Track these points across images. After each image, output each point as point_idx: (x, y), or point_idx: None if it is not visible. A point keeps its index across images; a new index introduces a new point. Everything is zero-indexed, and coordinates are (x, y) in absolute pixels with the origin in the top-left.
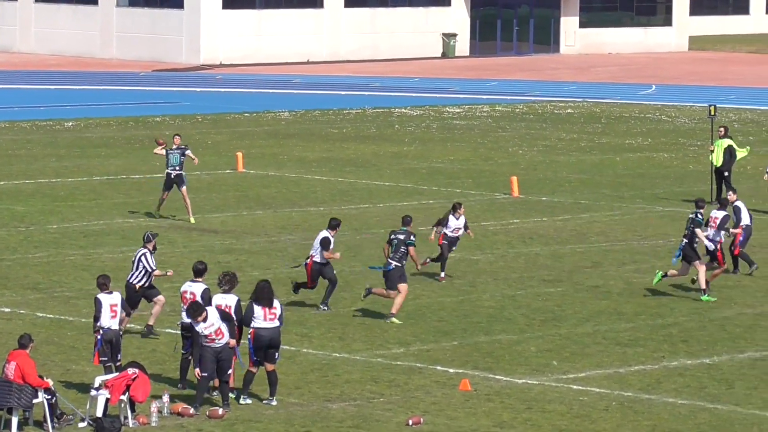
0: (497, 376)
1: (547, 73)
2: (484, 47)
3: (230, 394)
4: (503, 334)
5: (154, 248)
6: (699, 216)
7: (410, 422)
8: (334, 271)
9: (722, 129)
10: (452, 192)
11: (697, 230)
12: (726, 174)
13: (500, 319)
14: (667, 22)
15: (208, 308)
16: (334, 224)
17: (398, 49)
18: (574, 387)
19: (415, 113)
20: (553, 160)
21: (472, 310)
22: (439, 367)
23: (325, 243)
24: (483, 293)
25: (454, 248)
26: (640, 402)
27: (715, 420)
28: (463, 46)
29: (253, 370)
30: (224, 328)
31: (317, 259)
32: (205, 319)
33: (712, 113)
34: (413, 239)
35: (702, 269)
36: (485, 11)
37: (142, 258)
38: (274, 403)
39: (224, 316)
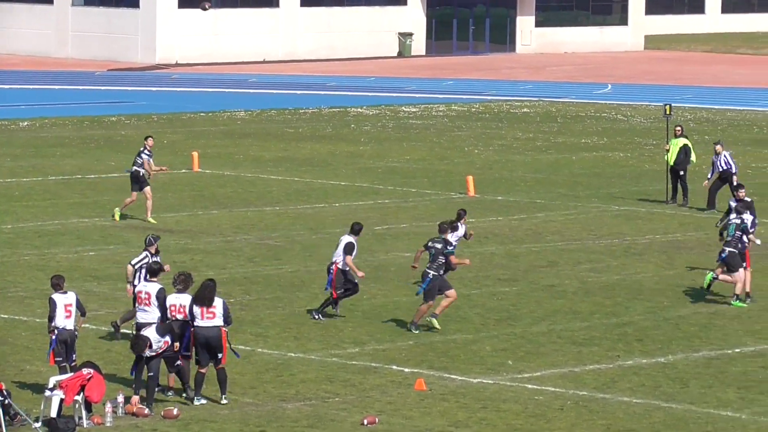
0: (452, 376)
1: (503, 73)
2: (440, 46)
3: (183, 394)
4: (458, 333)
5: (157, 251)
6: (745, 222)
7: (365, 422)
8: (356, 279)
9: (678, 128)
10: (408, 191)
11: (750, 236)
12: (681, 173)
13: (455, 319)
14: (623, 21)
15: (148, 335)
16: (357, 229)
17: (354, 49)
18: (529, 386)
19: (371, 113)
20: (508, 160)
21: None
22: (394, 367)
23: (349, 248)
24: None
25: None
26: (595, 401)
27: (669, 419)
28: (419, 45)
29: (203, 371)
30: (167, 338)
31: (341, 266)
32: (150, 347)
33: (668, 112)
34: (451, 248)
35: (748, 276)
36: (441, 11)
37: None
38: (224, 401)
39: (164, 330)
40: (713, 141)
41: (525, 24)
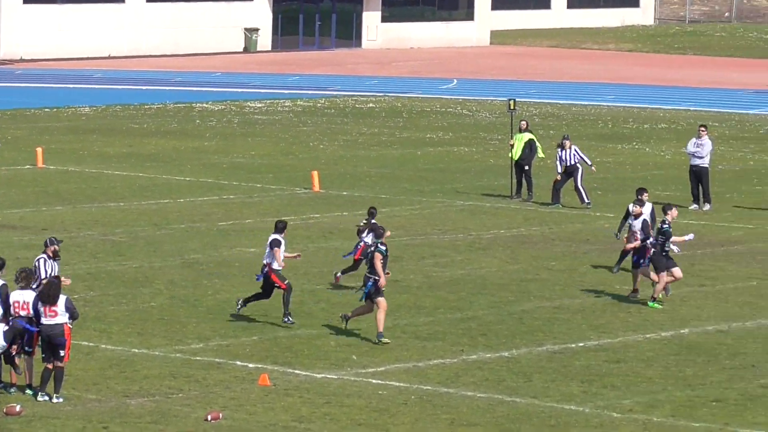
0: (296, 371)
1: (349, 68)
2: (287, 42)
3: (28, 391)
4: (303, 328)
5: (55, 254)
6: (665, 225)
7: (209, 417)
8: (286, 279)
9: (523, 123)
10: (253, 187)
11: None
12: (526, 168)
13: (300, 314)
14: (469, 16)
15: None
16: (281, 227)
17: (200, 44)
18: (374, 381)
19: (216, 108)
20: (354, 155)
21: (272, 305)
22: (238, 362)
23: (275, 242)
24: None
25: None
26: (438, 396)
27: (513, 413)
28: (265, 40)
29: (49, 366)
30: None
31: (275, 266)
32: None
33: (512, 107)
34: (381, 247)
35: (663, 278)
36: (287, 6)
37: (36, 264)
38: (56, 400)
39: (11, 334)
40: (562, 136)
41: (371, 19)
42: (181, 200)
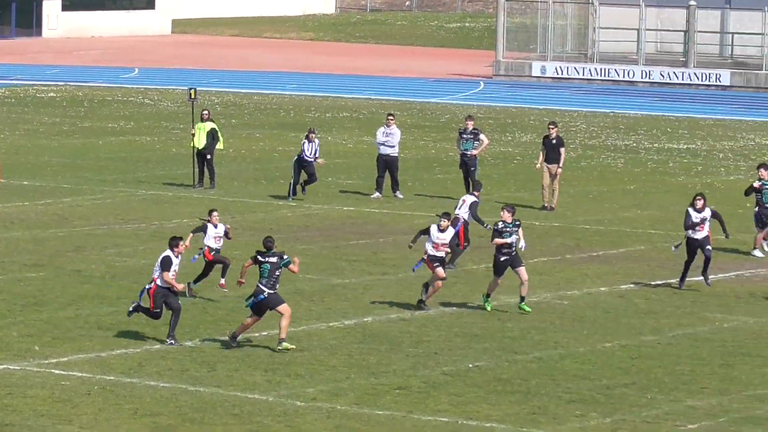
0: None
1: (30, 57)
2: None
3: None
4: None
5: None
6: (498, 224)
7: None
8: (179, 300)
9: (205, 112)
10: None
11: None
12: (208, 157)
13: None
14: (150, 5)
15: None
16: (173, 244)
17: None
18: (56, 372)
19: None
20: (35, 144)
21: None
22: None
23: (165, 263)
24: None
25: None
26: (122, 386)
27: (197, 402)
28: None
29: None
30: None
31: (159, 282)
32: None
33: (193, 97)
34: (287, 258)
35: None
36: None
37: None
38: None
39: None
40: (308, 129)
41: (51, 8)
42: None
